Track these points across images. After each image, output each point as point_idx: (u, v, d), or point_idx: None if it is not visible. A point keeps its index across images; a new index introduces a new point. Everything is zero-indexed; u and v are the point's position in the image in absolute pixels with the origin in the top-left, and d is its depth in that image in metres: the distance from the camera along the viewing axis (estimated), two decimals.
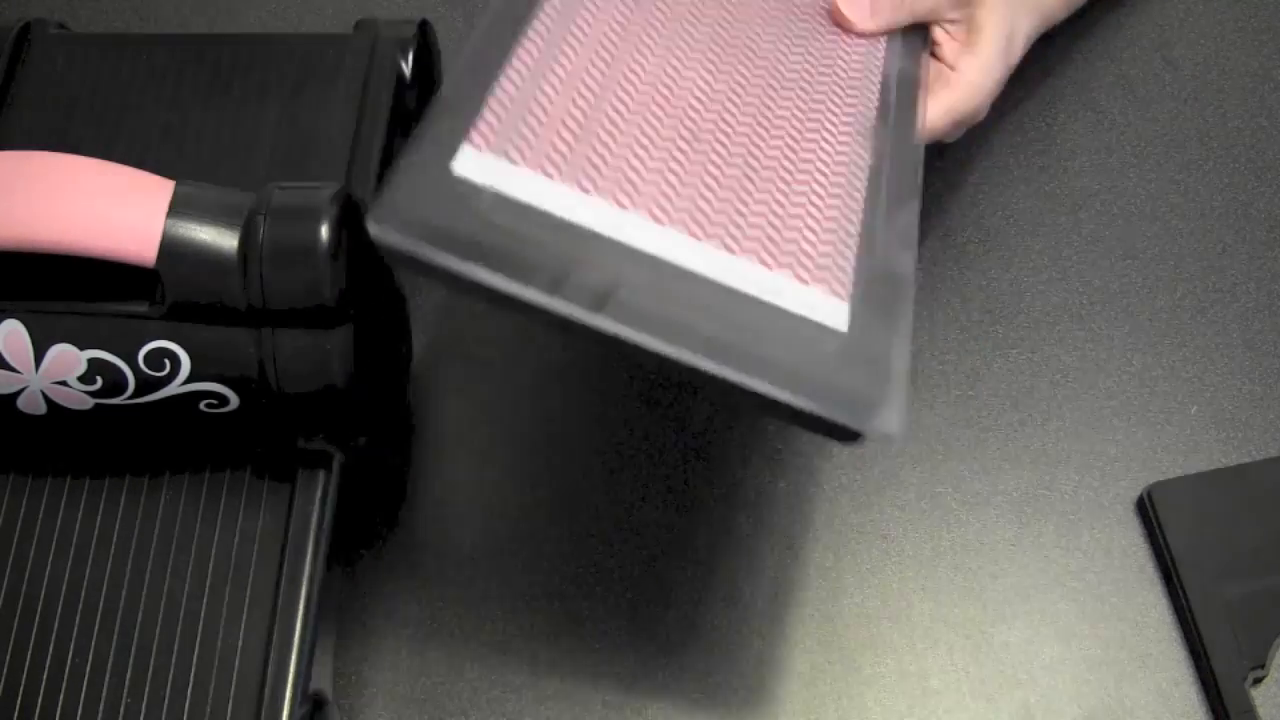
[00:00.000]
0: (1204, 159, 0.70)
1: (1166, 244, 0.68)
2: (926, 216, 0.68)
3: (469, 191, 0.44)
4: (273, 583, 0.53)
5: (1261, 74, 0.72)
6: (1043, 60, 0.72)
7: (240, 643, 0.52)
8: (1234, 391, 0.64)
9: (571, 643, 0.59)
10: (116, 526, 0.54)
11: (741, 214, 0.48)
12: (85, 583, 0.53)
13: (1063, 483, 0.62)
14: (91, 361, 0.51)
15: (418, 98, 0.65)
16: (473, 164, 0.44)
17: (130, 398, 0.52)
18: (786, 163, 0.51)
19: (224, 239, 0.50)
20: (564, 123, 0.47)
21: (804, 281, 0.47)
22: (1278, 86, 0.72)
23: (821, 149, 0.52)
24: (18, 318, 0.51)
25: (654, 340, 0.43)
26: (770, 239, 0.47)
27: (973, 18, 0.62)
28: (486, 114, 0.46)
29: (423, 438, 0.63)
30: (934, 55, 0.63)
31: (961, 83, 0.62)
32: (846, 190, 0.51)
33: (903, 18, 0.61)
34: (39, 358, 0.51)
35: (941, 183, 0.69)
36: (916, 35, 0.61)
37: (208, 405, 0.52)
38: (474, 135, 0.45)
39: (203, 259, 0.50)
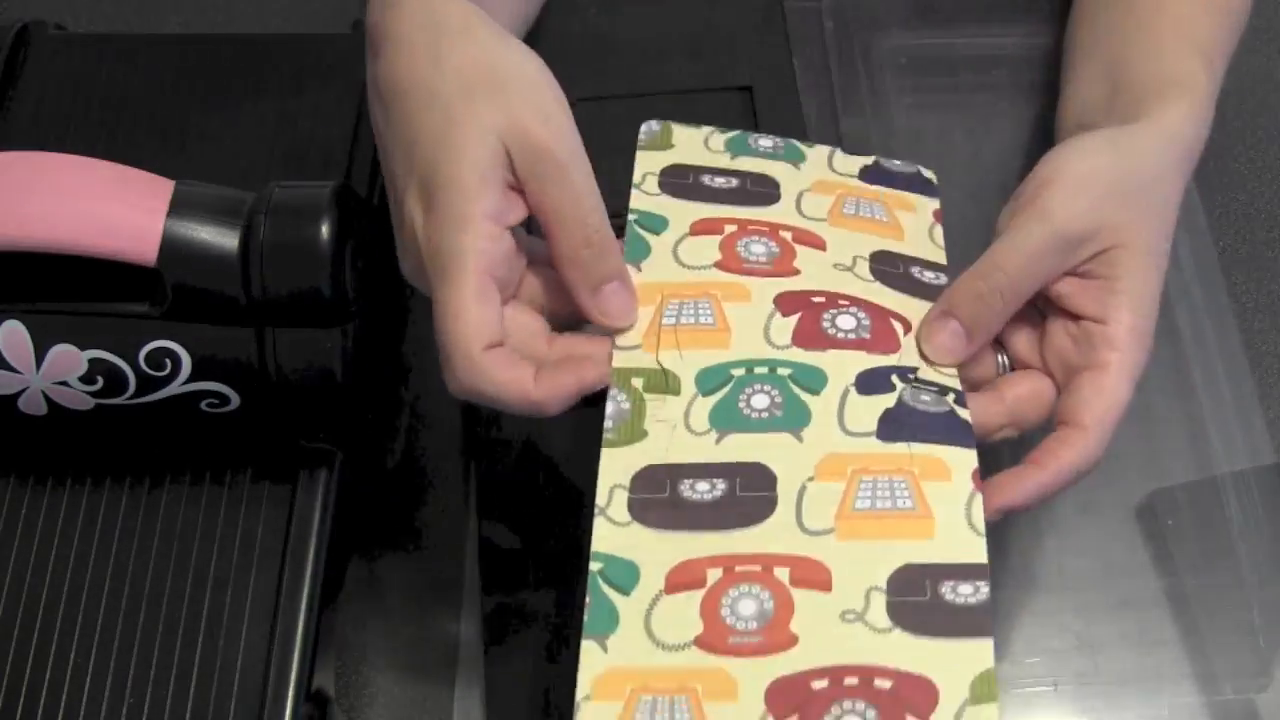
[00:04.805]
0: (1204, 159, 0.70)
1: None
2: None
3: None
4: (274, 582, 0.53)
5: (1262, 74, 0.72)
6: (1044, 61, 0.72)
7: (242, 642, 0.52)
8: (1234, 392, 0.64)
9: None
10: (118, 527, 0.54)
11: None
12: (87, 583, 0.53)
13: None
14: (92, 361, 0.51)
15: None
16: None
17: (131, 398, 0.52)
18: None
19: (224, 238, 0.50)
20: None
21: None
22: (1277, 86, 0.72)
23: None
24: (18, 318, 0.51)
25: None
26: None
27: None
28: None
29: (423, 436, 0.63)
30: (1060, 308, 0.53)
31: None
32: None
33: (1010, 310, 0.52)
34: (40, 358, 0.51)
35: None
36: None
37: (209, 405, 0.52)
38: None
39: (203, 258, 0.50)
